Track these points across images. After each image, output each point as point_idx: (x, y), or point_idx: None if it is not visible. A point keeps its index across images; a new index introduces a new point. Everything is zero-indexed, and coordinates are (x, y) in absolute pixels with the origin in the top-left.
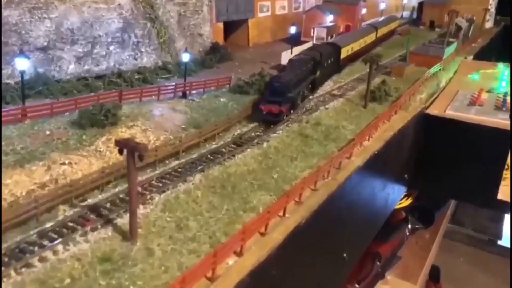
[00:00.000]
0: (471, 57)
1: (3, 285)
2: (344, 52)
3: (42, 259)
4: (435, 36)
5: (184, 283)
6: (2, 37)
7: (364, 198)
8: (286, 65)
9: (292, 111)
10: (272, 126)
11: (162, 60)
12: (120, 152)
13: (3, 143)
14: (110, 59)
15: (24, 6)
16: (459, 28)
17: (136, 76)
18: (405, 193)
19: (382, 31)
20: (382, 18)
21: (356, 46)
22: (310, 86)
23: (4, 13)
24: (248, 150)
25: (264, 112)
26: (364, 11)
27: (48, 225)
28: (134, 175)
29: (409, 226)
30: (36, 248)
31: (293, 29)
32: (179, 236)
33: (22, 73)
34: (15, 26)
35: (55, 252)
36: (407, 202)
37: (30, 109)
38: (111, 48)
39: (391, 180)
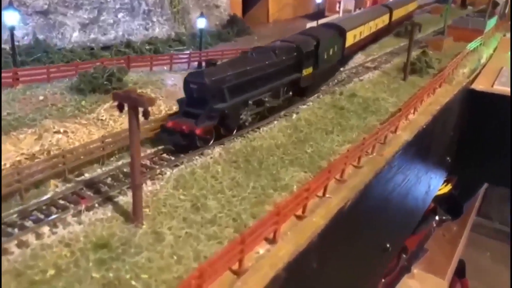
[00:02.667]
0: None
1: None
2: (350, 38)
3: (22, 244)
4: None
5: (202, 277)
6: None
7: (410, 181)
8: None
9: (229, 134)
10: (180, 153)
11: (176, 32)
12: (120, 108)
13: None
14: (118, 28)
15: None
16: (495, 4)
17: (147, 47)
18: (444, 179)
19: (398, 13)
20: None
21: (365, 30)
22: (287, 91)
23: None
24: (275, 122)
25: (170, 130)
26: None
27: (33, 202)
28: (137, 136)
29: (437, 217)
30: (16, 231)
31: None
32: (195, 218)
33: (12, 30)
34: None
35: (38, 236)
36: (446, 188)
37: (22, 73)
38: (120, 15)
39: (434, 162)
